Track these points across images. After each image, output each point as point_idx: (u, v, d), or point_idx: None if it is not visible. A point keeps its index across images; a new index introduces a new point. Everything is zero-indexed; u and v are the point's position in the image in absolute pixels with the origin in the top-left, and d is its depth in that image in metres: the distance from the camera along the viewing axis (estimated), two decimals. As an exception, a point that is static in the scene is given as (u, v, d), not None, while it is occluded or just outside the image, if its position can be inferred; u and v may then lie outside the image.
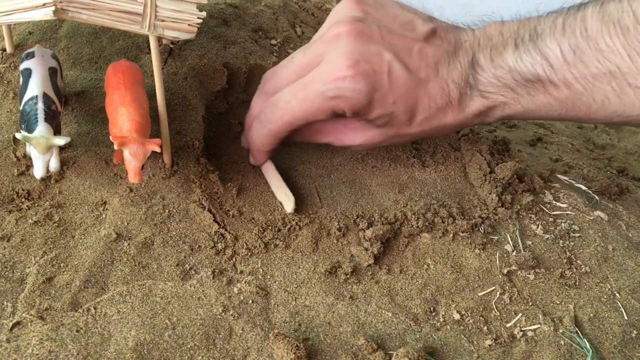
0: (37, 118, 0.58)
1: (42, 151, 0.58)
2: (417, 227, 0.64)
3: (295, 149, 0.78)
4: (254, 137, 0.64)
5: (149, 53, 0.68)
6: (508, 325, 0.58)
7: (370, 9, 0.58)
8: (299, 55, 0.60)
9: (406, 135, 0.61)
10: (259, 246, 0.61)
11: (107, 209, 0.61)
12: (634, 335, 0.58)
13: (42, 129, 0.58)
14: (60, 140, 0.58)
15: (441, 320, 0.57)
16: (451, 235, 0.64)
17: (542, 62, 0.54)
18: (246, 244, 0.61)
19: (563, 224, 0.67)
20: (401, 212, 0.65)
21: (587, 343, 0.56)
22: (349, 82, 0.54)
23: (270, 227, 0.62)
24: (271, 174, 0.67)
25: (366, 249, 0.62)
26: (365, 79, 0.54)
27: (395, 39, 0.56)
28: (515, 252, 0.63)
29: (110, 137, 0.57)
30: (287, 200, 0.64)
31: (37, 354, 0.50)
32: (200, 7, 0.60)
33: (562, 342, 0.56)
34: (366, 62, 0.54)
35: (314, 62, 0.58)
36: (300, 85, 0.58)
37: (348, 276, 0.60)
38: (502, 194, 0.68)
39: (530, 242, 0.64)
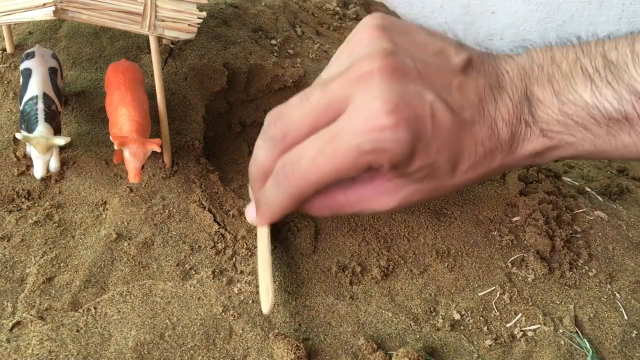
0: (37, 118, 0.58)
1: (42, 151, 0.58)
2: (418, 226, 0.64)
3: (295, 149, 0.78)
4: (269, 198, 0.54)
5: (149, 53, 0.68)
6: (508, 325, 0.58)
7: (398, 37, 0.48)
8: (317, 95, 0.48)
9: (447, 188, 0.51)
10: (259, 246, 0.60)
11: (107, 209, 0.61)
12: (634, 335, 0.58)
13: (42, 129, 0.58)
14: (60, 140, 0.58)
15: (441, 320, 0.57)
16: (452, 235, 0.64)
17: (630, 97, 0.46)
18: (246, 244, 0.61)
19: (563, 224, 0.67)
20: (402, 211, 0.65)
21: (587, 343, 0.56)
22: (389, 132, 0.45)
23: (270, 227, 0.62)
24: (263, 245, 0.57)
25: (366, 249, 0.62)
26: (408, 127, 0.45)
27: (432, 74, 0.47)
28: (515, 251, 0.63)
29: (111, 137, 0.57)
30: (265, 299, 0.54)
31: (37, 354, 0.50)
32: (200, 7, 0.60)
33: (562, 342, 0.56)
34: (407, 106, 0.45)
35: (338, 105, 0.47)
36: (326, 137, 0.47)
37: (348, 276, 0.60)
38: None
39: (530, 242, 0.64)
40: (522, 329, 0.58)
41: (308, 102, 0.49)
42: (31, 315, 0.52)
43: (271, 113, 0.52)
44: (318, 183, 0.50)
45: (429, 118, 0.46)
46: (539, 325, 0.58)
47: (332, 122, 0.48)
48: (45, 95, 0.60)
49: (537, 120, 0.49)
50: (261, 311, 0.55)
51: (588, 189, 0.74)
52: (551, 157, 0.51)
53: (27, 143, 0.61)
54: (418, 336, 0.56)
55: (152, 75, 0.62)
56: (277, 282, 0.58)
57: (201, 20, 0.59)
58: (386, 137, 0.45)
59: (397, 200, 0.52)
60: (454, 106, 0.47)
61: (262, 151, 0.52)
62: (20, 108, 0.61)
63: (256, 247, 0.59)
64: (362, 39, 0.49)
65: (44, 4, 0.54)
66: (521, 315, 0.59)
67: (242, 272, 0.59)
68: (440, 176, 0.50)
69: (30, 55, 0.64)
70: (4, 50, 0.73)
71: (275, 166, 0.51)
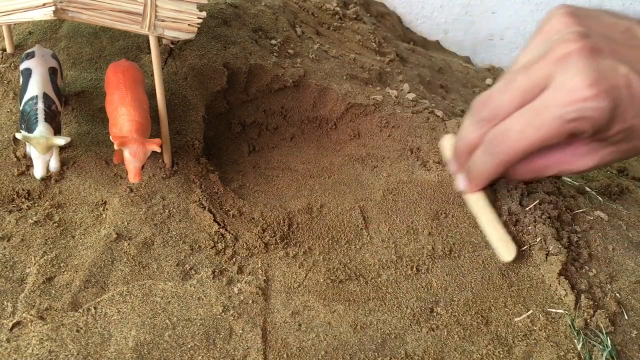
0: (37, 118, 0.58)
1: (42, 151, 0.58)
2: (419, 227, 0.64)
3: (295, 149, 0.78)
4: (479, 167, 0.61)
5: (149, 53, 0.68)
6: (509, 324, 0.58)
7: (587, 21, 0.56)
8: (520, 78, 0.57)
9: (639, 149, 0.58)
10: (259, 246, 0.61)
11: (107, 209, 0.61)
12: (634, 335, 0.58)
13: (42, 129, 0.58)
14: (60, 140, 0.58)
15: (441, 320, 0.57)
16: (452, 235, 0.64)
17: None
18: (246, 244, 0.61)
19: (564, 224, 0.67)
20: (402, 211, 0.65)
21: (608, 340, 0.56)
22: (591, 102, 0.52)
23: (270, 227, 0.62)
24: (482, 205, 0.63)
25: (367, 249, 0.62)
26: (608, 96, 0.53)
27: (623, 50, 0.55)
28: (515, 251, 0.63)
29: (111, 137, 0.57)
30: (502, 246, 0.60)
31: (37, 354, 0.50)
32: (200, 7, 0.60)
33: (562, 342, 0.56)
34: (605, 78, 0.53)
35: (541, 85, 0.55)
36: (533, 111, 0.55)
37: (348, 276, 0.60)
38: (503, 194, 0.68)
39: (531, 242, 0.64)
40: (523, 328, 0.58)
41: (513, 85, 0.57)
42: (31, 315, 0.52)
43: (479, 98, 0.60)
44: (525, 151, 0.57)
45: (625, 88, 0.53)
46: (539, 325, 0.58)
47: (535, 99, 0.55)
48: (45, 95, 0.60)
49: None
50: (261, 311, 0.55)
51: (588, 189, 0.74)
52: None
53: (27, 143, 0.61)
54: (418, 336, 0.56)
55: (152, 75, 0.62)
56: (277, 282, 0.58)
57: (201, 20, 0.59)
58: (589, 107, 0.52)
59: (595, 161, 0.59)
60: None
61: (470, 129, 0.61)
62: (20, 108, 0.61)
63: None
64: (555, 26, 0.56)
65: (44, 4, 0.54)
66: (522, 315, 0.59)
67: (242, 272, 0.59)
68: (635, 138, 0.56)
69: (30, 55, 0.64)
70: (4, 50, 0.73)
71: (485, 138, 0.59)
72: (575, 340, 0.57)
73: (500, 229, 0.61)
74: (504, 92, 0.58)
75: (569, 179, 0.75)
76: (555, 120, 0.54)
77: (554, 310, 0.59)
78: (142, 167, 0.57)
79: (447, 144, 0.67)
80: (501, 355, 0.55)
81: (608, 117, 0.53)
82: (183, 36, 0.59)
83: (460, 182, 0.66)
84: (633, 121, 0.54)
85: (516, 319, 0.58)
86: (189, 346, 0.52)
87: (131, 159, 0.56)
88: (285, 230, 0.62)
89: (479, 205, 0.63)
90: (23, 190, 0.61)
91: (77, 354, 0.50)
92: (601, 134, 0.55)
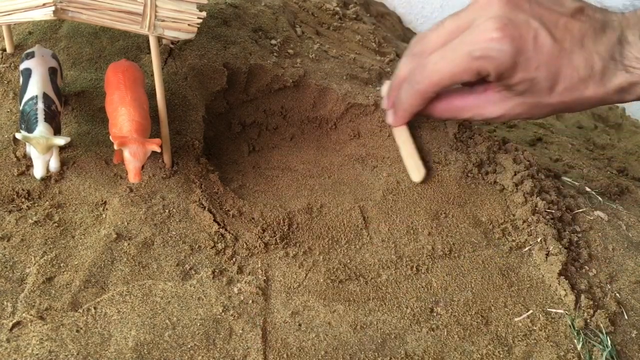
0: (37, 118, 0.59)
1: (42, 151, 0.58)
2: (419, 227, 0.64)
3: (295, 149, 0.78)
4: (402, 96, 0.67)
5: (149, 53, 0.68)
6: (509, 324, 0.58)
7: None
8: (450, 20, 0.63)
9: (545, 106, 0.62)
10: (259, 246, 0.61)
11: (107, 209, 0.61)
12: (634, 335, 0.58)
13: (42, 129, 0.58)
14: (60, 140, 0.58)
15: (441, 320, 0.57)
16: (452, 235, 0.64)
17: None
18: (246, 244, 0.61)
19: (564, 224, 0.67)
20: (402, 211, 0.65)
21: (608, 340, 0.56)
22: (495, 43, 0.57)
23: (270, 227, 0.62)
24: (405, 138, 0.69)
25: (367, 249, 0.62)
26: (512, 42, 0.57)
27: (542, 11, 0.59)
28: (515, 251, 0.63)
29: (110, 137, 0.57)
30: (415, 170, 0.66)
31: (37, 354, 0.50)
32: (200, 7, 0.60)
33: (562, 342, 0.56)
34: (514, 26, 0.57)
35: (464, 26, 0.61)
36: (449, 48, 0.61)
37: (348, 276, 0.60)
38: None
39: (531, 242, 0.65)
40: (523, 328, 0.58)
41: (442, 25, 0.64)
42: (31, 315, 0.52)
43: (415, 37, 0.67)
44: (437, 83, 0.62)
45: (532, 39, 0.58)
46: (539, 325, 0.58)
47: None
48: (45, 95, 0.60)
49: (623, 58, 0.58)
50: (261, 311, 0.55)
51: (588, 189, 0.74)
52: (635, 94, 0.60)
53: (27, 143, 0.61)
54: (418, 336, 0.56)
55: (152, 75, 0.62)
56: (277, 282, 0.58)
57: (201, 20, 0.59)
58: (492, 47, 0.57)
59: (502, 110, 0.63)
60: (556, 36, 0.58)
61: (403, 64, 0.67)
62: (20, 108, 0.61)
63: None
64: None
65: (44, 4, 0.54)
66: (522, 315, 0.59)
67: (242, 272, 0.59)
68: (539, 93, 0.60)
69: (30, 55, 0.64)
70: (4, 50, 0.73)
71: (407, 71, 0.66)
72: (575, 340, 0.57)
73: (416, 157, 0.67)
74: (434, 31, 0.64)
75: (568, 179, 0.75)
76: (465, 56, 0.59)
77: (554, 310, 0.59)
78: (142, 167, 0.57)
79: (386, 89, 0.73)
80: (501, 355, 0.55)
81: (510, 62, 0.58)
82: (183, 36, 0.59)
83: (389, 116, 0.71)
84: (536, 73, 0.58)
85: (516, 319, 0.58)
86: (189, 346, 0.52)
87: (131, 159, 0.56)
88: (285, 230, 0.62)
89: (402, 137, 0.69)
90: (23, 190, 0.61)
91: (77, 354, 0.50)
92: (506, 80, 0.60)
